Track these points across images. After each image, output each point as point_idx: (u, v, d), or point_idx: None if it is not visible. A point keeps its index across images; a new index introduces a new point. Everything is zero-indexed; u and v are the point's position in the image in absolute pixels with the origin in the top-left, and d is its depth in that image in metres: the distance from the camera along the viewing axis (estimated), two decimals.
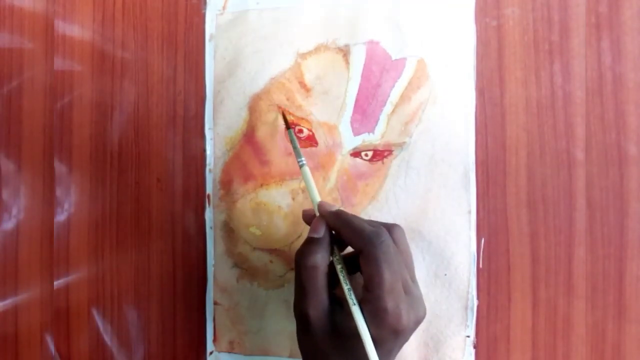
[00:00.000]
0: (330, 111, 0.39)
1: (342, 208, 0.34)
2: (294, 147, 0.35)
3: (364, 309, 0.28)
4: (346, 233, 0.29)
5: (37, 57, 0.44)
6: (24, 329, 0.44)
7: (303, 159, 0.34)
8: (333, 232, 0.31)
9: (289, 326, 0.39)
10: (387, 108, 0.38)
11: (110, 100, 0.43)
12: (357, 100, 0.39)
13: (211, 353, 0.41)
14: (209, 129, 0.41)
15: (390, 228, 0.30)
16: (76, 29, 0.44)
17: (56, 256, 0.44)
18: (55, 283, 0.44)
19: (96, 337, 0.43)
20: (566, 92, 0.37)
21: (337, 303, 0.30)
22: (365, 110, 0.39)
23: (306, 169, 0.34)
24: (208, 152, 0.41)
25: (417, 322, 0.29)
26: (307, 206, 0.39)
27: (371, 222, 0.30)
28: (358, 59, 0.39)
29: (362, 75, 0.39)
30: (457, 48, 0.38)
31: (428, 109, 0.38)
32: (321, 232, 0.30)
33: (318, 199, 0.33)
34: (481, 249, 0.38)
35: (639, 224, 0.36)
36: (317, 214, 0.32)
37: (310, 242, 0.30)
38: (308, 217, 0.33)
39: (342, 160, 0.39)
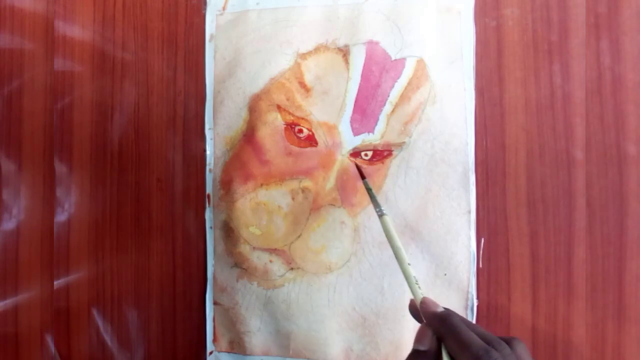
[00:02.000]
0: (330, 111, 0.39)
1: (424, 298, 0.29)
2: (372, 197, 0.34)
3: None
4: (450, 344, 0.25)
5: (38, 58, 0.44)
6: (24, 329, 0.44)
7: (383, 208, 0.33)
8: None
9: (289, 326, 0.39)
10: (387, 108, 0.38)
11: (110, 101, 0.43)
12: (356, 100, 0.39)
13: (211, 353, 0.41)
14: (209, 129, 0.42)
15: (509, 343, 0.25)
16: (76, 30, 0.44)
17: (56, 256, 0.44)
18: (55, 283, 0.44)
19: (96, 337, 0.43)
20: (565, 92, 0.37)
21: None
22: (365, 110, 0.39)
23: (387, 220, 0.31)
24: (208, 152, 0.41)
25: None
26: (307, 206, 0.39)
27: (485, 335, 0.25)
28: (358, 59, 0.39)
29: (362, 76, 0.39)
30: (456, 48, 0.38)
31: (428, 109, 0.38)
32: (426, 343, 0.26)
33: (420, 294, 0.28)
34: (481, 249, 0.38)
35: (638, 223, 0.36)
36: (420, 313, 0.28)
37: (415, 356, 0.26)
38: (413, 311, 0.29)
39: (342, 160, 0.39)
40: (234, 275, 0.41)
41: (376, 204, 0.33)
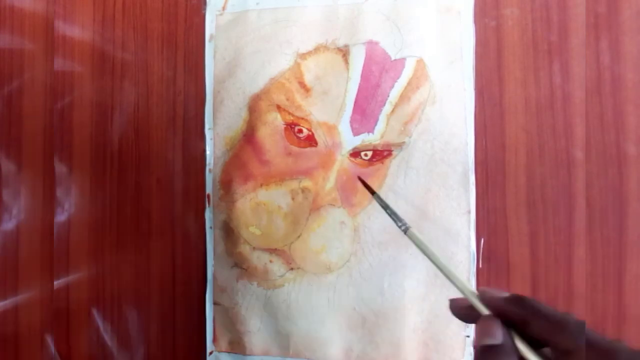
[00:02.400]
0: (329, 111, 0.39)
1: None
2: (389, 214, 0.31)
3: None
4: (541, 326, 0.21)
5: (37, 58, 0.44)
6: (24, 329, 0.44)
7: (405, 221, 0.30)
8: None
9: (289, 326, 0.39)
10: (387, 108, 0.38)
11: (110, 101, 0.43)
12: (356, 100, 0.39)
13: (211, 353, 0.41)
14: (209, 129, 0.42)
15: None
16: (76, 30, 0.44)
17: (56, 256, 0.44)
18: (55, 283, 0.44)
19: (96, 337, 0.43)
20: (565, 92, 0.37)
21: None
22: (364, 110, 0.39)
23: (414, 235, 0.28)
24: (208, 152, 0.41)
25: None
26: (307, 206, 0.39)
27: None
28: (357, 59, 0.39)
29: (362, 76, 0.39)
30: (456, 48, 0.38)
31: (427, 109, 0.38)
32: (499, 336, 0.21)
33: (470, 286, 0.25)
34: (481, 249, 0.38)
35: (638, 223, 0.36)
36: (477, 304, 0.24)
37: (487, 354, 0.22)
38: (459, 309, 0.25)
39: (342, 160, 0.39)
40: (234, 275, 0.41)
41: (397, 219, 0.31)
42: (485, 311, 0.23)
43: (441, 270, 0.27)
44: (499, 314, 0.23)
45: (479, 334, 0.22)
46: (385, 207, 0.32)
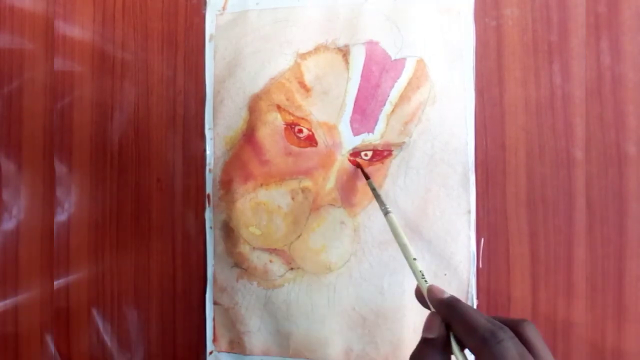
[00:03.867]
0: (329, 111, 0.39)
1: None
2: (376, 196, 0.35)
3: None
4: (458, 329, 0.24)
5: (38, 58, 0.44)
6: (24, 329, 0.44)
7: (387, 206, 0.34)
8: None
9: (289, 326, 0.39)
10: (387, 108, 0.38)
11: (110, 101, 0.43)
12: (356, 100, 0.39)
13: (211, 353, 0.41)
14: (209, 129, 0.42)
15: (517, 325, 0.25)
16: (76, 30, 0.44)
17: (56, 256, 0.44)
18: (55, 283, 0.44)
19: (96, 337, 0.43)
20: (565, 92, 0.37)
21: None
22: (364, 110, 0.39)
23: (392, 218, 0.33)
24: (208, 152, 0.41)
25: None
26: (307, 206, 0.39)
27: (490, 319, 0.24)
28: (357, 59, 0.39)
29: (362, 76, 0.39)
30: (456, 48, 0.38)
31: (427, 109, 0.38)
32: (435, 330, 0.25)
33: (425, 282, 0.28)
34: (481, 249, 0.38)
35: (638, 223, 0.36)
36: (428, 301, 0.28)
37: (424, 344, 0.25)
38: (419, 297, 0.29)
39: (342, 160, 0.39)
40: (234, 275, 0.41)
41: (381, 203, 0.35)
42: (432, 308, 0.27)
43: (407, 261, 0.30)
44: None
45: (423, 328, 0.26)
46: (374, 189, 0.36)
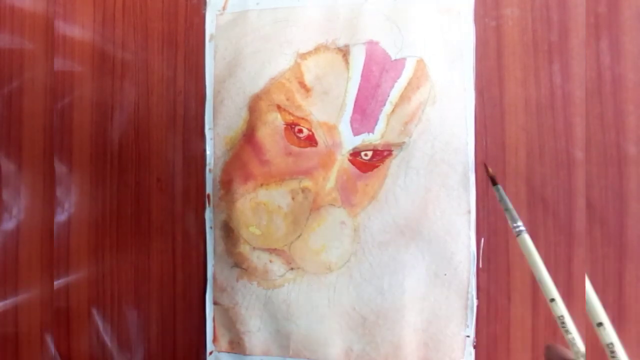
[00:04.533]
0: (330, 111, 0.39)
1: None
2: (506, 209, 0.30)
3: None
4: None
5: (38, 58, 0.44)
6: (24, 329, 0.44)
7: (520, 223, 0.29)
8: None
9: (289, 326, 0.39)
10: (387, 108, 0.38)
11: (110, 101, 0.43)
12: (356, 100, 0.39)
13: (211, 353, 0.41)
14: (209, 129, 0.42)
15: None
16: (76, 30, 0.44)
17: (56, 256, 0.44)
18: (55, 283, 0.44)
19: (96, 337, 0.43)
20: (565, 92, 0.37)
21: None
22: (364, 110, 0.39)
23: (526, 240, 0.27)
24: (208, 152, 0.41)
25: None
26: (307, 206, 0.39)
27: None
28: (358, 59, 0.39)
29: (362, 76, 0.39)
30: (456, 48, 0.38)
31: (428, 109, 0.38)
32: None
33: (570, 337, 0.25)
34: (481, 249, 0.38)
35: (638, 223, 0.36)
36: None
37: None
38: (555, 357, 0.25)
39: (342, 160, 0.39)
40: (234, 275, 0.41)
41: (513, 219, 0.29)
42: None
43: (547, 295, 0.26)
44: None
45: None
46: (505, 203, 0.30)
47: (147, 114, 0.43)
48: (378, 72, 0.38)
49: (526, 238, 0.28)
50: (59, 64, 0.44)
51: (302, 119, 0.39)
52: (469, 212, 0.38)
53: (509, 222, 0.29)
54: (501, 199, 0.31)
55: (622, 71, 0.37)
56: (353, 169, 0.39)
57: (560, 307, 0.25)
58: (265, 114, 0.40)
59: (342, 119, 0.39)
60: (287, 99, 0.40)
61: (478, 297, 0.38)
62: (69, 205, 0.44)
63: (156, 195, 0.42)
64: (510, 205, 0.29)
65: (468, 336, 0.37)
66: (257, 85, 0.40)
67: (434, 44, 0.38)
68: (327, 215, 0.39)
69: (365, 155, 0.39)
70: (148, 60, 0.43)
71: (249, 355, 0.40)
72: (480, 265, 0.38)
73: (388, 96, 0.38)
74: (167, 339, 0.42)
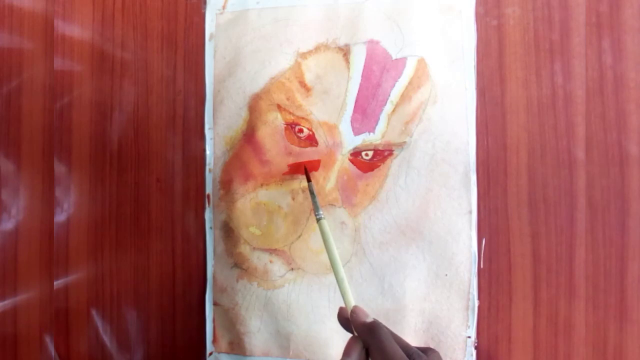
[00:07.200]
0: (330, 111, 0.39)
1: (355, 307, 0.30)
2: (313, 202, 0.35)
3: None
4: (375, 355, 0.26)
5: (37, 57, 0.44)
6: (23, 329, 0.44)
7: (321, 212, 0.34)
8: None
9: (289, 326, 0.39)
10: (388, 107, 0.38)
11: (109, 100, 0.43)
12: (357, 100, 0.39)
13: (211, 354, 0.41)
14: (209, 128, 0.41)
15: (425, 353, 0.27)
16: (76, 29, 0.44)
17: (56, 256, 0.44)
18: (55, 283, 0.44)
19: (96, 338, 0.43)
20: (567, 91, 0.37)
21: None
22: (365, 110, 0.38)
23: (325, 226, 0.33)
24: (208, 152, 0.41)
25: None
26: (307, 206, 0.39)
27: (407, 347, 0.27)
28: (358, 58, 0.39)
29: (363, 75, 0.38)
30: (457, 47, 0.38)
31: (429, 109, 0.38)
32: (354, 356, 0.26)
33: (352, 302, 0.29)
34: (482, 249, 0.38)
35: (639, 223, 0.36)
36: (350, 325, 0.29)
37: None
38: (342, 320, 0.30)
39: (343, 159, 0.39)
40: (233, 275, 0.40)
41: (316, 208, 0.35)
42: (354, 332, 0.27)
43: (335, 272, 0.31)
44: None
45: (343, 351, 0.27)
46: (313, 195, 0.36)
47: (146, 113, 0.43)
48: (379, 71, 0.38)
49: (324, 224, 0.33)
50: (58, 63, 0.44)
51: (303, 118, 0.39)
52: (470, 212, 0.37)
53: (314, 211, 0.35)
54: (311, 192, 0.36)
55: (623, 70, 0.37)
56: (353, 169, 0.39)
57: (346, 287, 0.30)
58: (265, 114, 0.40)
59: (342, 119, 0.39)
60: (288, 99, 0.39)
61: (479, 298, 0.38)
62: (68, 206, 0.44)
63: (156, 195, 0.42)
64: (316, 198, 0.35)
65: (469, 337, 0.37)
66: (257, 84, 0.40)
67: (435, 44, 0.38)
68: (327, 216, 0.39)
69: (366, 155, 0.38)
70: (147, 59, 0.43)
71: (248, 356, 0.40)
72: (482, 266, 0.38)
73: (389, 96, 0.38)
74: (167, 339, 0.42)
